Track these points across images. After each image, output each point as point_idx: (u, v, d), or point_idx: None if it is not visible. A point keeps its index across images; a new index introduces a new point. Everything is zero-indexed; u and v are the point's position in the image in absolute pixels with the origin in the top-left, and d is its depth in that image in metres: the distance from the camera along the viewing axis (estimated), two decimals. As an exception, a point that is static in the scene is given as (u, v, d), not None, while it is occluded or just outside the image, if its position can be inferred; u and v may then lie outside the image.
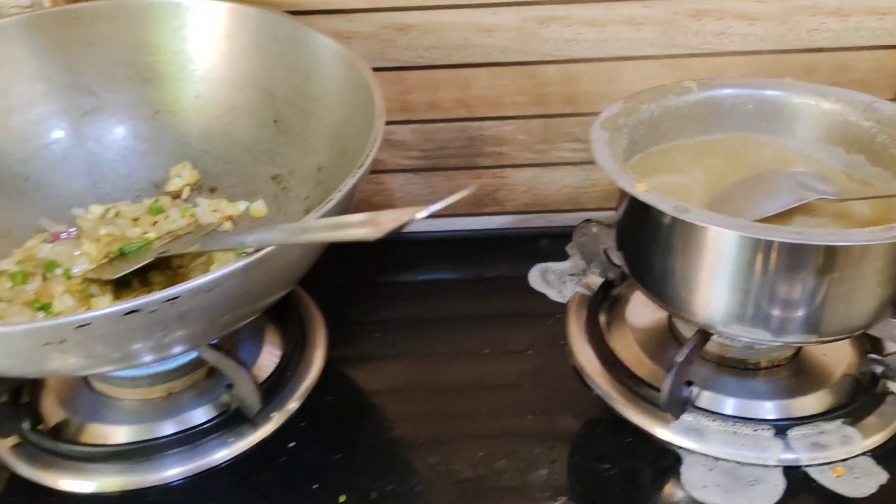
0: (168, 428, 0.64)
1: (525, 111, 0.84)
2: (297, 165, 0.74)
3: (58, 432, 0.65)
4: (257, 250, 0.50)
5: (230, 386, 0.64)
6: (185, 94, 0.78)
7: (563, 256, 0.82)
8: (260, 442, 0.64)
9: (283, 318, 0.72)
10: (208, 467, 0.62)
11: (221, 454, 0.63)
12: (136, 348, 0.51)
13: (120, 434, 0.64)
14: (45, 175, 0.75)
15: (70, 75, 0.76)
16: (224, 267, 0.48)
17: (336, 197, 0.53)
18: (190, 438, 0.63)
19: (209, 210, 0.74)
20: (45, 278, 0.67)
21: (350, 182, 0.54)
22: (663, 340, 0.70)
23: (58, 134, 0.76)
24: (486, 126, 0.85)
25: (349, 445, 0.63)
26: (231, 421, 0.64)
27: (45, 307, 0.64)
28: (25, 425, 0.63)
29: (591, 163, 0.61)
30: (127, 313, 0.46)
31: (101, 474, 0.62)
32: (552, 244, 0.83)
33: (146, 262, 0.63)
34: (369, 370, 0.71)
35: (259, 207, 0.74)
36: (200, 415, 0.65)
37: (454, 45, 0.80)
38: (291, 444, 0.64)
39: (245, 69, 0.76)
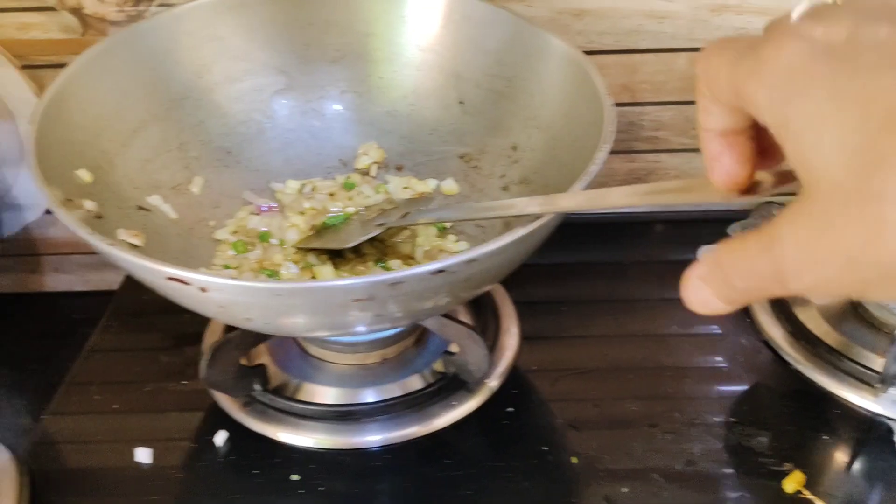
0: (392, 391, 0.67)
1: (686, 97, 0.87)
2: (487, 145, 0.77)
3: (279, 392, 0.68)
4: (534, 220, 0.52)
5: (448, 353, 0.67)
6: (370, 76, 0.80)
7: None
8: (481, 406, 0.66)
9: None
10: (434, 430, 0.65)
11: (445, 418, 0.66)
12: (416, 309, 0.54)
13: (337, 395, 0.68)
14: (244, 150, 0.78)
15: (266, 54, 0.78)
16: (515, 232, 0.51)
17: (591, 171, 0.56)
18: (414, 401, 0.66)
19: (400, 187, 0.77)
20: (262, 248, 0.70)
21: (599, 158, 0.57)
22: (845, 312, 0.73)
23: (253, 111, 0.78)
24: (647, 111, 0.88)
25: (565, 413, 0.66)
26: (450, 387, 0.67)
27: (272, 274, 0.67)
28: (257, 386, 0.66)
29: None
30: (435, 272, 0.49)
31: (321, 431, 0.66)
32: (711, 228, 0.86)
33: (377, 233, 0.66)
34: (561, 348, 0.75)
35: (450, 185, 0.77)
36: (417, 381, 0.68)
37: (626, 31, 0.83)
38: (510, 409, 0.66)
39: (430, 51, 0.78)
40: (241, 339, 0.64)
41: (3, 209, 0.86)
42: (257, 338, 0.66)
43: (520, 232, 0.51)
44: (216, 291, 0.49)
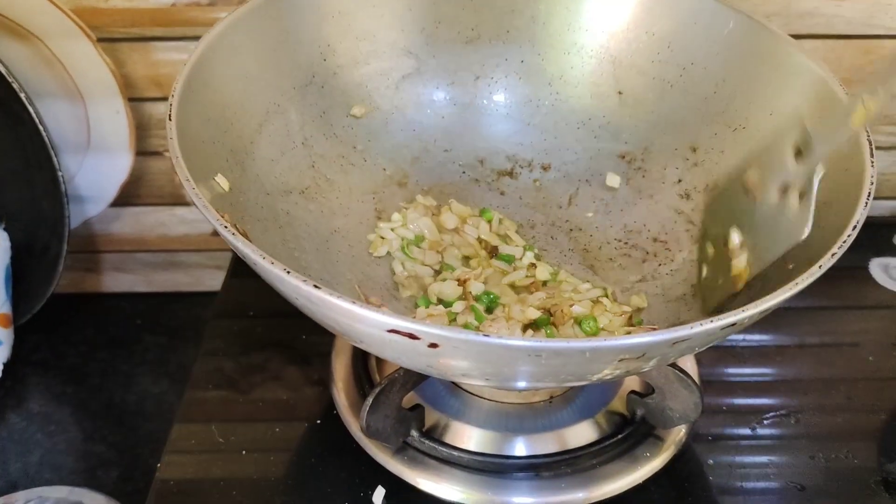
0: (569, 439, 0.57)
1: (850, 89, 0.78)
2: (653, 143, 0.67)
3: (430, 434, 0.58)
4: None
5: (637, 393, 0.58)
6: (509, 59, 0.70)
7: (891, 248, 0.77)
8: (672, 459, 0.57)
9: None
10: (649, 474, 0.56)
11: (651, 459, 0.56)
12: (652, 364, 0.44)
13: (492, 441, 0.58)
14: (370, 146, 0.67)
15: (393, 33, 0.67)
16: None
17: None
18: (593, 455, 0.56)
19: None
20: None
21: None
22: None
23: (378, 98, 0.68)
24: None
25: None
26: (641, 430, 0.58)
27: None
28: (414, 432, 0.56)
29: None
30: (724, 328, 0.39)
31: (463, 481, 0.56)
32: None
33: None
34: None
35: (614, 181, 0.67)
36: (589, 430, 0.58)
37: (799, 13, 0.73)
38: (710, 461, 0.57)
39: (581, 31, 0.68)
40: (406, 378, 0.54)
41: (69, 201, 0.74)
42: (420, 376, 0.56)
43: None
44: (453, 348, 0.39)
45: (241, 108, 0.58)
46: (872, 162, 0.48)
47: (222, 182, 0.52)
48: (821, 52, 0.74)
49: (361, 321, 0.40)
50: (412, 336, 0.38)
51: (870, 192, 0.47)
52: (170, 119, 0.48)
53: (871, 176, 0.47)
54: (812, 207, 0.50)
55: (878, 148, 0.78)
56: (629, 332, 0.54)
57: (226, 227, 0.42)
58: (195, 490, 0.57)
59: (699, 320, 0.47)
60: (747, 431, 0.61)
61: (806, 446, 0.60)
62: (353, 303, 0.39)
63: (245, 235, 0.50)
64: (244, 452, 0.59)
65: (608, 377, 0.44)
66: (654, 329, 0.45)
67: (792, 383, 0.65)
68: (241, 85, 0.58)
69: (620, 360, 0.40)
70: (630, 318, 0.57)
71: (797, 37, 0.71)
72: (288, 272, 0.40)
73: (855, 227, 0.45)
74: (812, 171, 0.50)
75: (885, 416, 0.62)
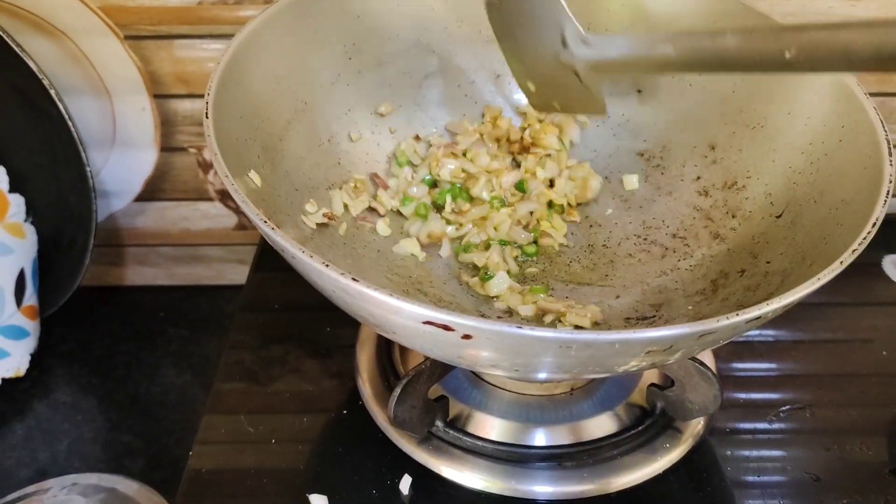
0: (590, 430, 0.59)
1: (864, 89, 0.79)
2: (671, 141, 0.68)
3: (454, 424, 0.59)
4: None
5: (657, 385, 0.59)
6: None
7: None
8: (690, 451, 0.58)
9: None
10: (668, 465, 0.58)
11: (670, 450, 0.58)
12: (677, 357, 0.45)
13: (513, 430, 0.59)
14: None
15: (416, 33, 0.69)
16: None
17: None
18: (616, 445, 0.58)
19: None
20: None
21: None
22: None
23: (403, 98, 0.69)
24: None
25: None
26: (661, 422, 0.59)
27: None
28: (439, 422, 0.58)
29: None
30: (750, 321, 0.40)
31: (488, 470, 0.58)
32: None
33: None
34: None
35: (631, 181, 0.68)
36: (610, 421, 0.60)
37: (815, 12, 0.74)
38: (727, 452, 0.59)
39: (600, 29, 0.69)
40: (433, 370, 0.55)
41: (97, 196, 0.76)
42: (446, 367, 0.57)
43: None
44: (486, 339, 0.40)
45: (271, 106, 0.59)
46: (891, 161, 0.50)
47: (255, 178, 0.54)
48: (836, 51, 0.75)
49: (397, 313, 0.41)
50: (446, 328, 0.40)
51: (888, 191, 0.48)
52: (207, 117, 0.50)
53: (890, 175, 0.48)
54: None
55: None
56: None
57: (265, 221, 0.44)
58: (225, 479, 0.58)
59: (718, 314, 0.49)
60: (764, 425, 0.62)
61: (820, 439, 0.61)
62: (391, 295, 0.40)
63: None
64: (273, 442, 0.60)
65: (634, 369, 0.45)
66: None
67: (806, 378, 0.67)
68: (271, 83, 0.60)
69: (647, 353, 0.41)
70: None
71: (813, 37, 0.73)
72: (327, 265, 0.41)
73: (875, 223, 0.46)
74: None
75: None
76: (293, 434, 0.61)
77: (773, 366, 0.68)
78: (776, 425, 0.63)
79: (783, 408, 0.64)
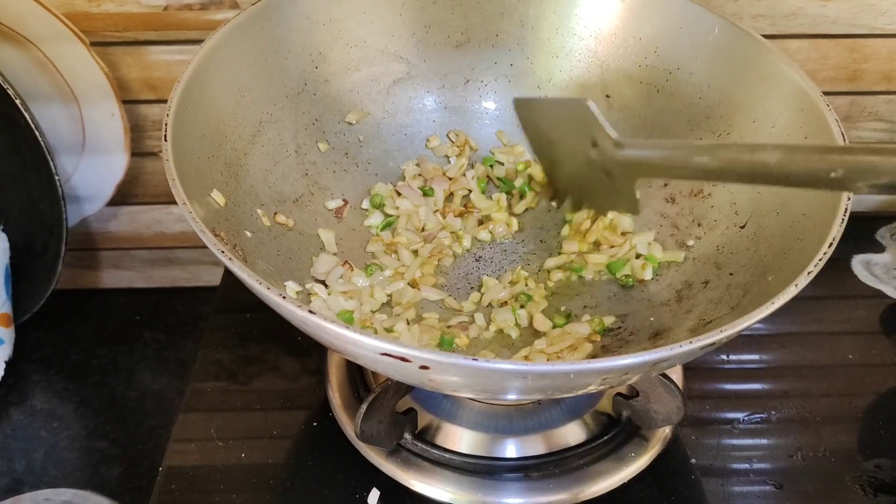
0: (559, 438, 0.59)
1: (835, 87, 0.79)
2: (639, 146, 0.68)
3: (424, 437, 0.60)
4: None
5: (623, 395, 0.59)
6: (498, 62, 0.71)
7: (873, 243, 0.78)
8: (657, 459, 0.59)
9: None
10: (635, 473, 0.58)
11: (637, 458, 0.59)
12: (634, 380, 0.46)
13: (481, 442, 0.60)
14: (360, 151, 0.69)
15: (384, 39, 0.68)
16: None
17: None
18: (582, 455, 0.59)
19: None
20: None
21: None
22: None
23: (370, 104, 0.69)
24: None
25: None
26: (627, 430, 0.60)
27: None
28: (407, 435, 0.58)
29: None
30: (705, 347, 0.41)
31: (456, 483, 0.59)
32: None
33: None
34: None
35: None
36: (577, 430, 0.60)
37: (783, 14, 0.74)
38: (693, 461, 0.59)
39: (569, 35, 0.69)
40: (398, 385, 0.56)
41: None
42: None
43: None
44: (443, 370, 0.40)
45: (234, 121, 0.59)
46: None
47: (218, 198, 0.54)
48: (806, 51, 0.75)
49: (355, 344, 0.41)
50: (403, 359, 0.40)
51: (847, 208, 0.48)
52: (165, 140, 0.49)
53: (848, 195, 0.48)
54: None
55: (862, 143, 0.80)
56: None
57: (223, 251, 0.44)
58: (201, 476, 0.59)
59: (681, 327, 0.50)
60: (728, 429, 0.63)
61: (784, 446, 0.62)
62: (347, 328, 0.40)
63: (242, 251, 0.52)
64: (243, 456, 0.61)
65: (593, 391, 0.46)
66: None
67: (774, 382, 0.67)
68: (234, 97, 0.59)
69: (604, 379, 0.42)
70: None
71: (783, 37, 0.73)
72: (283, 297, 0.42)
73: (831, 244, 0.46)
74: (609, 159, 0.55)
75: (863, 408, 0.64)
76: (263, 451, 0.61)
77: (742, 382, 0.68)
78: (742, 428, 0.63)
79: (748, 413, 0.64)
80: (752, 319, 0.42)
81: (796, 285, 0.44)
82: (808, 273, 0.44)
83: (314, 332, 0.43)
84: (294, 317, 0.42)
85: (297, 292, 0.57)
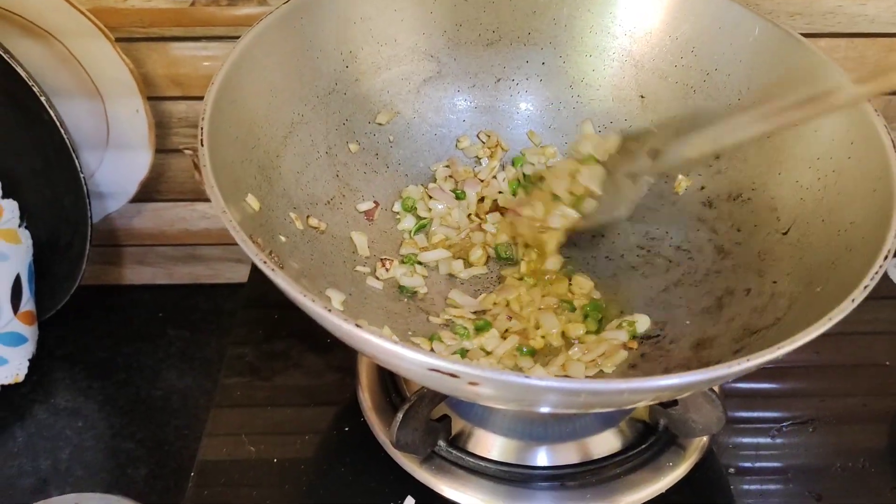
0: (595, 448, 0.59)
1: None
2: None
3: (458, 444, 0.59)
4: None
5: (662, 404, 0.59)
6: (530, 61, 0.70)
7: None
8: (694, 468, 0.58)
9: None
10: (672, 483, 0.58)
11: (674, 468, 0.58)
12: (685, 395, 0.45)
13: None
14: (391, 152, 0.68)
15: (414, 37, 0.67)
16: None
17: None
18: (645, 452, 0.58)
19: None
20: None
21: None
22: None
23: (400, 104, 0.68)
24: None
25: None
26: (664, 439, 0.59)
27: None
28: (441, 442, 0.58)
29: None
30: (759, 366, 0.40)
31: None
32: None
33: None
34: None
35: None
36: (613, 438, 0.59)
37: (821, 13, 0.73)
38: (731, 470, 0.59)
39: (604, 33, 0.68)
40: (434, 393, 0.55)
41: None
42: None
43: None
44: (492, 386, 0.40)
45: (267, 122, 0.58)
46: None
47: (253, 202, 0.53)
48: (843, 50, 0.74)
49: (403, 359, 0.40)
50: (452, 375, 0.39)
51: (901, 220, 0.47)
52: (202, 144, 0.48)
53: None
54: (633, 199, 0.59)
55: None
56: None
57: (265, 262, 0.43)
58: (234, 469, 0.59)
59: (724, 336, 0.48)
60: (767, 440, 0.62)
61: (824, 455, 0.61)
62: (395, 343, 0.39)
63: (277, 256, 0.51)
64: (275, 461, 0.60)
65: (642, 406, 0.45)
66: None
67: (811, 391, 0.66)
68: (266, 98, 0.58)
69: (656, 396, 0.41)
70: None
71: (820, 35, 0.72)
72: (329, 310, 0.41)
73: (887, 256, 0.45)
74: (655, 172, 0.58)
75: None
76: (294, 449, 0.61)
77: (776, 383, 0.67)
78: (778, 438, 0.62)
79: (784, 420, 0.63)
80: (809, 336, 0.41)
81: (853, 300, 0.43)
82: (865, 287, 0.43)
83: (359, 346, 0.42)
84: (340, 330, 0.41)
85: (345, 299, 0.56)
